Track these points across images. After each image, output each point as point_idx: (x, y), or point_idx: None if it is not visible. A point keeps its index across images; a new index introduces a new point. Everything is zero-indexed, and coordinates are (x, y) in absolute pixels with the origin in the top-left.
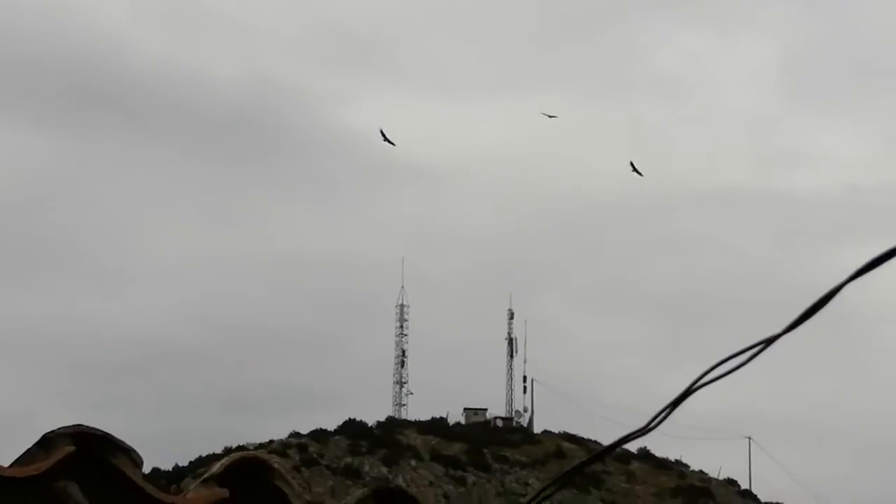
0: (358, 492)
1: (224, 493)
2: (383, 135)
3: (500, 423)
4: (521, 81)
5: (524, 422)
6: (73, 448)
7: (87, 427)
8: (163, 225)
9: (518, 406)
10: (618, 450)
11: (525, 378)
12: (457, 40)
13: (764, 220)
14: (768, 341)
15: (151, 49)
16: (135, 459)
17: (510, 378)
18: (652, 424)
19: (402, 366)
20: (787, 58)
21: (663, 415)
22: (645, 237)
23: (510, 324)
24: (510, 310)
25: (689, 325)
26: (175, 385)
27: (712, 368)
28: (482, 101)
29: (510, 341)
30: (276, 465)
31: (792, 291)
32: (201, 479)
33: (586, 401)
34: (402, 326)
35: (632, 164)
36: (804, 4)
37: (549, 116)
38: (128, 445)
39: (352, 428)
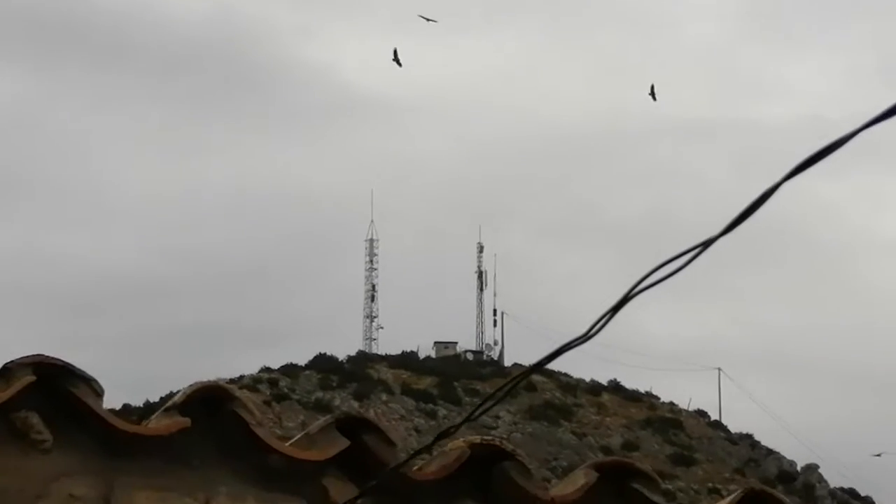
0: (321, 420)
1: (185, 421)
2: (395, 55)
3: (470, 356)
4: (483, 13)
5: (494, 355)
6: (33, 378)
7: (48, 357)
8: (125, 159)
9: (488, 340)
10: (588, 382)
11: (495, 311)
12: None
13: (728, 150)
14: (706, 243)
15: None
16: (96, 389)
17: (480, 312)
18: (592, 331)
19: (373, 300)
20: None
21: (603, 321)
22: (610, 167)
23: (480, 257)
24: (479, 243)
25: (657, 256)
26: (143, 321)
27: (651, 272)
28: (444, 33)
29: (480, 275)
30: (237, 394)
31: (758, 221)
32: (163, 408)
33: (556, 333)
34: (371, 261)
35: (652, 89)
36: None
37: (428, 20)
38: (88, 375)
39: (322, 362)
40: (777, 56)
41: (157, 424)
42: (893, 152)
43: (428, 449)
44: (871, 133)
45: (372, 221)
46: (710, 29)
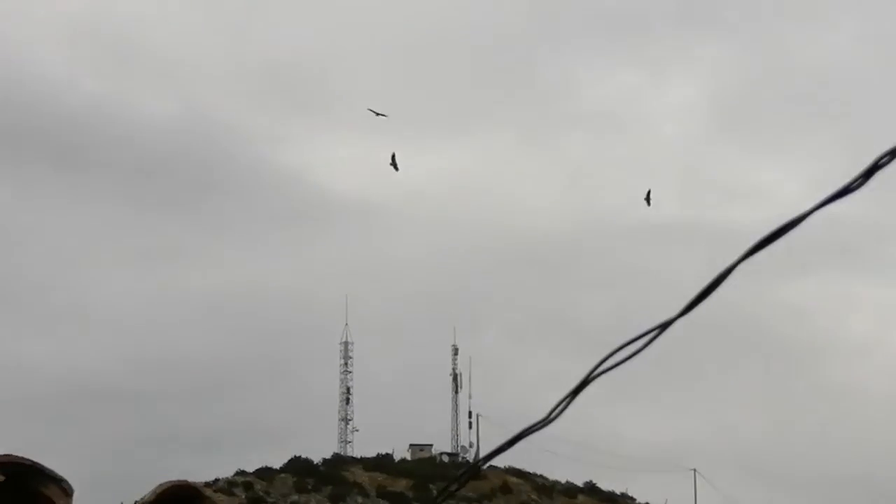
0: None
1: None
2: (393, 159)
3: (445, 458)
4: (455, 118)
5: (470, 457)
6: (2, 477)
7: (17, 456)
8: (96, 263)
9: (464, 441)
10: (564, 483)
11: (470, 413)
12: (390, 77)
13: (698, 253)
14: (664, 326)
15: (85, 87)
16: (65, 489)
17: (455, 413)
18: (553, 414)
19: (347, 403)
20: (719, 95)
21: (564, 403)
22: (581, 272)
23: (454, 359)
24: (454, 345)
25: (629, 360)
26: (117, 425)
27: (610, 355)
28: (416, 138)
29: (455, 377)
30: (207, 494)
31: (727, 324)
32: None
33: (531, 435)
34: (346, 363)
35: (648, 194)
36: (735, 42)
37: (377, 114)
38: (58, 475)
39: (297, 465)
40: (749, 159)
41: None
42: (861, 255)
43: None
44: (839, 235)
45: (346, 325)
46: (681, 132)
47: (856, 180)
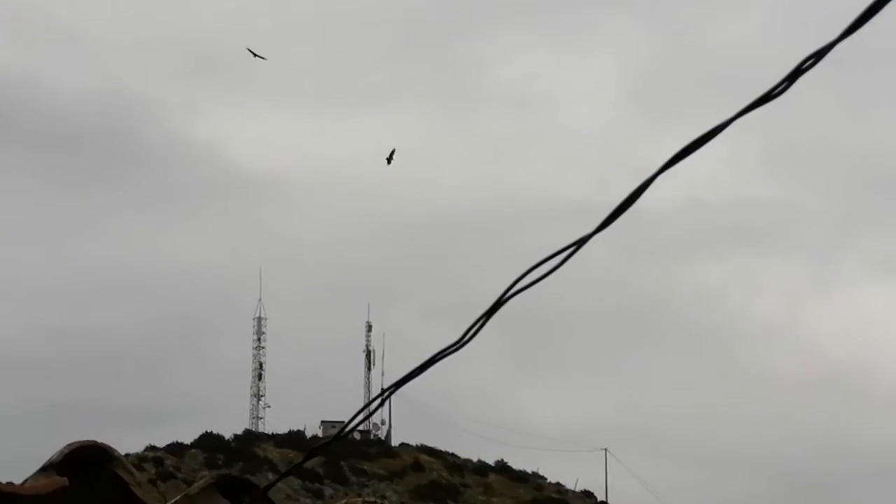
0: (202, 480)
1: (63, 481)
2: (252, 52)
3: (357, 435)
4: (368, 94)
5: (382, 434)
6: None
7: None
8: (5, 236)
9: (376, 419)
10: (476, 462)
11: (383, 390)
12: (304, 53)
13: (609, 233)
14: (580, 242)
15: None
16: None
17: (368, 391)
18: (467, 337)
19: (260, 378)
20: (629, 73)
21: (478, 325)
22: (493, 251)
23: (368, 336)
24: (368, 322)
25: (537, 337)
26: (21, 400)
27: (526, 273)
28: (330, 114)
29: (368, 354)
30: (116, 453)
31: (638, 304)
32: (39, 467)
33: (443, 413)
34: (259, 339)
35: (391, 154)
36: (646, 20)
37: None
38: None
39: (208, 441)
40: (659, 139)
41: (33, 484)
42: (770, 236)
43: None
44: (750, 218)
45: (260, 300)
46: (590, 111)
47: (779, 85)
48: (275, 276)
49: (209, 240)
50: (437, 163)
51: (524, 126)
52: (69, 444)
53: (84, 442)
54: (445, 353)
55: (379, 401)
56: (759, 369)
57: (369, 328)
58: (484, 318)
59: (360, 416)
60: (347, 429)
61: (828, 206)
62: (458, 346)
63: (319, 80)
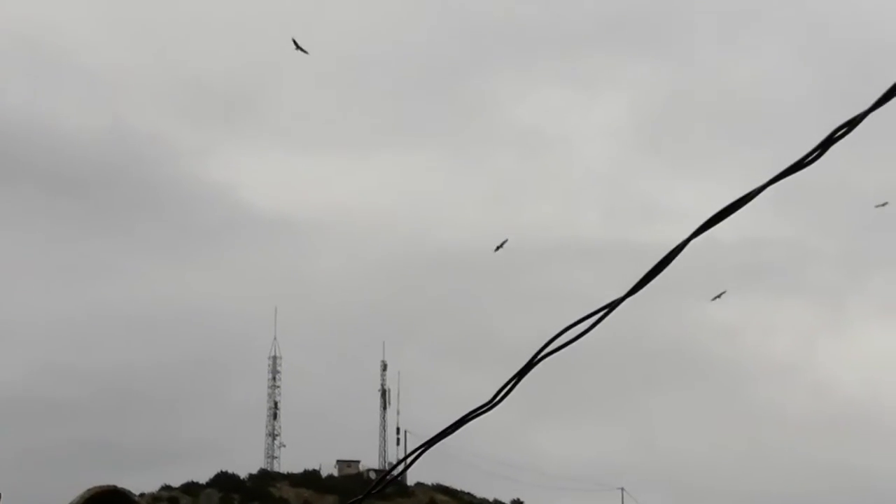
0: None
1: None
2: (295, 43)
3: (373, 475)
4: (381, 134)
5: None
6: None
7: None
8: (24, 278)
9: (391, 458)
10: (492, 501)
11: (398, 430)
12: (318, 94)
13: (621, 272)
14: (611, 306)
15: (9, 99)
16: None
17: (383, 430)
18: (498, 399)
19: (275, 418)
20: (642, 115)
21: (509, 386)
22: (506, 289)
23: (383, 375)
24: (383, 361)
25: (551, 377)
26: (40, 439)
27: (556, 336)
28: (343, 155)
29: (383, 393)
30: (135, 498)
31: (651, 343)
32: None
33: (458, 452)
34: (274, 378)
35: (294, 42)
36: (658, 63)
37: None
38: None
39: (224, 480)
40: (673, 179)
41: None
42: (783, 276)
43: None
44: (762, 257)
45: (275, 339)
46: (604, 152)
47: (811, 153)
48: (289, 316)
49: (223, 280)
50: (449, 201)
51: (536, 165)
52: (89, 489)
53: (104, 487)
54: (477, 413)
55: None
56: (773, 407)
57: (384, 367)
58: (515, 380)
59: (399, 468)
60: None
61: (838, 246)
62: (489, 406)
63: (333, 121)
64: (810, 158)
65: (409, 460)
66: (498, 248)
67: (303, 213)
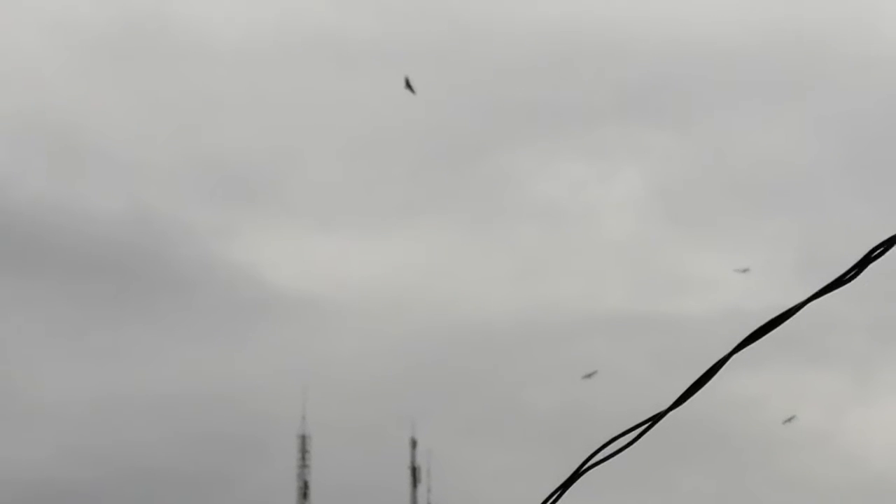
0: None
1: None
2: (407, 82)
3: None
4: (402, 210)
5: None
6: None
7: None
8: (43, 365)
9: None
10: None
11: None
12: (337, 174)
13: (647, 345)
14: (656, 418)
15: (30, 183)
16: None
17: None
18: None
19: (305, 497)
20: (663, 185)
21: (553, 499)
22: (532, 363)
23: (413, 452)
24: (412, 438)
25: (573, 450)
26: None
27: (601, 448)
28: (364, 232)
29: (413, 470)
30: None
31: (677, 415)
32: None
33: None
34: (303, 457)
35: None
36: (680, 133)
37: (408, 86)
38: None
39: None
40: (698, 251)
41: None
42: (809, 345)
43: None
44: (787, 327)
45: (304, 417)
46: (629, 223)
47: (849, 272)
48: (317, 395)
49: (249, 359)
50: (472, 277)
51: (558, 238)
52: None
53: None
54: None
55: None
56: (803, 480)
57: (414, 444)
58: (560, 492)
59: None
60: None
61: (865, 314)
62: None
63: (354, 198)
64: (848, 277)
65: None
66: (407, 86)
67: (326, 291)
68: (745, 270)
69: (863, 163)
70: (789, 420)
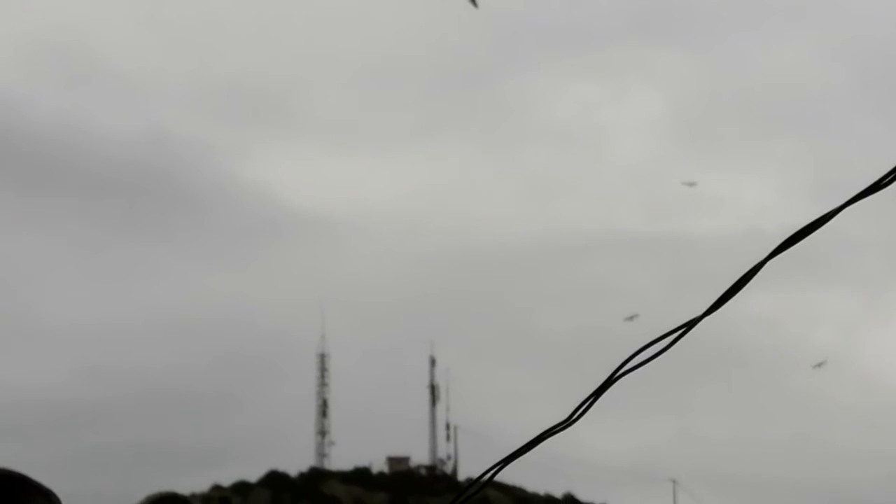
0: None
1: None
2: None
3: (423, 471)
4: (415, 132)
5: (448, 469)
6: None
7: (4, 469)
8: (58, 285)
9: (441, 454)
10: (543, 496)
11: (448, 426)
12: (350, 95)
13: (662, 264)
14: (690, 324)
15: (45, 104)
16: (53, 501)
17: (433, 426)
18: (575, 416)
19: (324, 415)
20: (680, 106)
21: (586, 405)
22: (546, 283)
23: (432, 371)
24: (432, 357)
25: (592, 370)
26: (89, 442)
27: (634, 355)
28: (377, 153)
29: (432, 388)
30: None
31: (694, 334)
32: None
33: (509, 447)
34: (323, 376)
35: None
36: (692, 54)
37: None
38: (46, 487)
39: (274, 479)
40: (710, 170)
41: None
42: (826, 266)
43: None
44: (804, 247)
45: (323, 337)
46: (640, 144)
47: (888, 175)
48: (334, 314)
49: (266, 278)
50: (485, 198)
51: (571, 160)
52: (149, 496)
53: (163, 493)
54: (554, 431)
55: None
56: (818, 398)
57: (433, 363)
58: (593, 398)
59: (477, 485)
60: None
61: (881, 235)
62: (565, 424)
63: (367, 119)
64: (887, 181)
65: (486, 477)
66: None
67: (340, 212)
68: (632, 318)
69: (874, 84)
70: (820, 365)
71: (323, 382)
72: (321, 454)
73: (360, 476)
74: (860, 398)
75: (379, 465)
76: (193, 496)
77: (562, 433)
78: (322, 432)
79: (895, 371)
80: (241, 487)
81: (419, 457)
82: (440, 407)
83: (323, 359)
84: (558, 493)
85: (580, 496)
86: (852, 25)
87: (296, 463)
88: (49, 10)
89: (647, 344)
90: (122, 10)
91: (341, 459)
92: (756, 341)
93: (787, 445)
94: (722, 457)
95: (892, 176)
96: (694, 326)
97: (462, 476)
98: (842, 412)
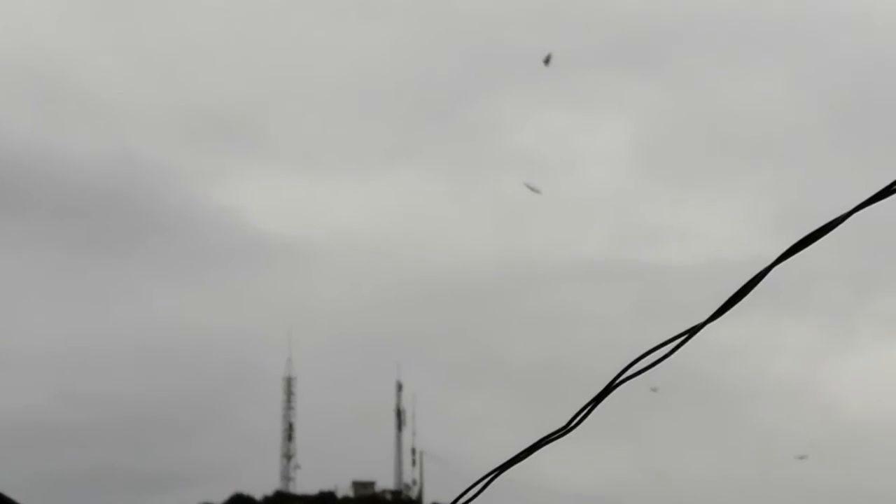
0: None
1: None
2: (548, 59)
3: (389, 495)
4: (384, 158)
5: (413, 495)
6: None
7: None
8: (24, 306)
9: (407, 479)
10: None
11: (414, 451)
12: (319, 120)
13: (627, 293)
14: (692, 331)
15: (15, 127)
16: None
17: (399, 450)
18: (573, 423)
19: (290, 439)
20: (649, 135)
21: (584, 412)
22: (513, 311)
23: (398, 395)
24: (398, 381)
25: (553, 399)
26: (56, 464)
27: (635, 361)
28: (346, 179)
29: (398, 413)
30: None
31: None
32: None
33: (475, 473)
34: (289, 399)
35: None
36: (661, 85)
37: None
38: (16, 501)
39: (239, 503)
40: (678, 200)
41: None
42: (788, 296)
43: None
44: (767, 277)
45: (289, 359)
46: (608, 173)
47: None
48: (301, 338)
49: (234, 303)
50: (453, 224)
51: (539, 187)
52: None
53: None
54: (551, 438)
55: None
56: (778, 430)
57: (399, 388)
58: (592, 405)
59: (473, 491)
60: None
61: (843, 266)
62: (564, 432)
63: (335, 145)
64: (895, 188)
65: (479, 486)
66: (546, 61)
67: (309, 237)
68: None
69: (841, 117)
70: (802, 458)
71: (289, 406)
72: (286, 478)
73: (326, 500)
74: (821, 429)
75: (344, 489)
76: None
77: (520, 463)
78: (287, 456)
79: (858, 402)
80: None
81: (385, 481)
82: (406, 432)
83: (289, 382)
84: None
85: None
86: (821, 59)
87: (261, 486)
88: (19, 35)
89: (647, 351)
90: (92, 35)
91: (307, 483)
92: (717, 371)
93: (746, 476)
94: (681, 488)
95: None
96: (695, 334)
97: (427, 501)
98: (802, 443)
